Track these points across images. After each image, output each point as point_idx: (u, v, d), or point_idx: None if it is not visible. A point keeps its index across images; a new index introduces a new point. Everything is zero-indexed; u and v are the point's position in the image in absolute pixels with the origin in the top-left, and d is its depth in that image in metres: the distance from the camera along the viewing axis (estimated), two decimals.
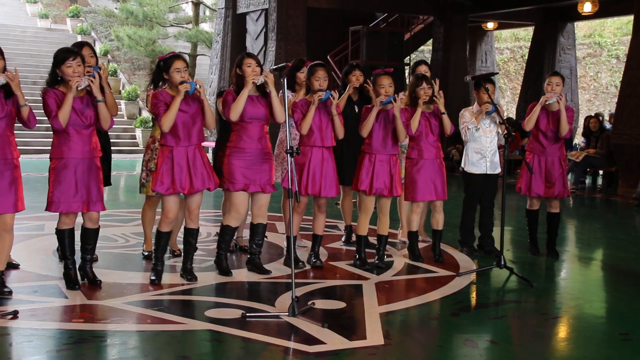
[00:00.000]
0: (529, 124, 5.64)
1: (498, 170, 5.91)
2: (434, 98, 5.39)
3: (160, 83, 4.74)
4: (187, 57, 19.00)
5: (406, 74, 15.16)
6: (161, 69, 4.58)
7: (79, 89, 4.27)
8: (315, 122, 5.06)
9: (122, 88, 18.79)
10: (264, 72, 4.72)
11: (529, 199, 5.91)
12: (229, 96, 4.79)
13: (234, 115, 4.70)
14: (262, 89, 4.78)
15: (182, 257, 4.90)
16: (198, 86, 4.50)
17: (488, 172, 5.83)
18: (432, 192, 5.48)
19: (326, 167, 5.12)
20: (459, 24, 14.81)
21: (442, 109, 5.40)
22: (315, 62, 5.26)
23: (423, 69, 6.04)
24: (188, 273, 4.80)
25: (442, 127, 5.47)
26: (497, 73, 6.83)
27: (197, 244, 4.93)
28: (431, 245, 5.76)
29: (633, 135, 10.20)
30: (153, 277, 4.71)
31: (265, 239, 5.21)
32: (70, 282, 4.53)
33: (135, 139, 16.80)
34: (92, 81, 4.28)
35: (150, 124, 4.54)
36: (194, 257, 4.92)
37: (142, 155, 5.52)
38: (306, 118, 5.00)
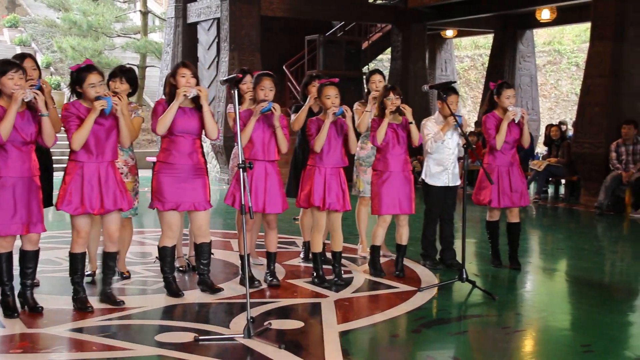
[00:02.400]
0: (500, 142, 5.72)
1: (458, 182, 6.00)
2: (401, 109, 5.44)
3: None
4: (136, 69, 18.83)
5: (364, 84, 15.27)
6: (74, 82, 4.47)
7: (25, 100, 4.17)
8: (258, 134, 5.03)
9: (66, 101, 18.47)
10: (198, 86, 4.69)
11: (488, 210, 6.01)
12: (159, 107, 4.73)
13: (161, 128, 4.64)
14: (197, 101, 4.74)
15: (122, 280, 4.81)
16: (115, 103, 4.38)
17: (450, 184, 5.91)
18: (397, 205, 5.52)
19: (270, 182, 5.09)
20: (417, 32, 15.03)
21: (410, 118, 5.46)
22: (262, 71, 5.27)
23: (377, 79, 6.11)
24: (108, 298, 4.69)
25: (409, 138, 5.52)
26: (455, 82, 6.94)
27: (142, 265, 4.84)
28: (395, 260, 5.79)
29: (594, 144, 10.47)
30: (80, 306, 4.54)
31: (212, 256, 5.17)
32: (8, 309, 4.40)
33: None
34: (37, 94, 4.20)
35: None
36: (143, 278, 4.84)
37: None
38: (245, 130, 4.96)
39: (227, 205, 5.20)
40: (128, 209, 4.64)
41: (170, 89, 4.75)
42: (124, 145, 4.62)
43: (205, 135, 4.78)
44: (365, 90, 6.32)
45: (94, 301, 4.65)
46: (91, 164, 4.45)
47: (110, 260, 4.69)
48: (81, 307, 4.54)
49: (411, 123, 5.46)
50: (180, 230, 5.00)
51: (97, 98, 4.38)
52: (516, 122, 5.73)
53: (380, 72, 6.27)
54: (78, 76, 4.45)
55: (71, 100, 4.62)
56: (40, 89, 4.44)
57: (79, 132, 4.37)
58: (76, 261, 4.59)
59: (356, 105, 6.21)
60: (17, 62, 4.34)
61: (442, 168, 5.87)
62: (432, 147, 5.79)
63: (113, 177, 4.53)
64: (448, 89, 5.70)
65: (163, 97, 4.84)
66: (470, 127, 16.99)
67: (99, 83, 4.43)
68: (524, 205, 5.93)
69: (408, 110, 5.45)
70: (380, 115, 5.47)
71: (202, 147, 4.87)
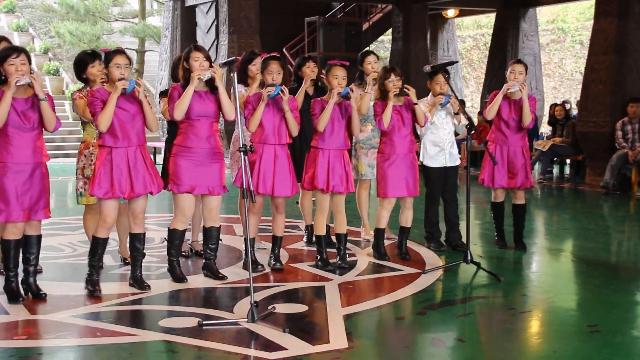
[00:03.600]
0: (490, 112, 5.72)
1: (458, 162, 5.99)
2: (405, 89, 5.41)
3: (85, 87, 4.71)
4: (134, 54, 18.76)
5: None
6: (84, 70, 4.59)
7: (18, 84, 4.17)
8: (268, 118, 5.04)
9: (65, 88, 18.46)
10: (213, 67, 4.69)
11: (492, 190, 6.01)
12: (174, 92, 4.74)
13: (178, 113, 4.66)
14: (211, 83, 4.74)
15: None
16: (137, 85, 4.46)
17: (448, 165, 5.90)
18: (404, 188, 5.51)
19: (279, 164, 5.09)
20: (418, 12, 14.95)
21: (415, 99, 5.44)
22: (269, 54, 5.25)
23: (372, 59, 6.08)
24: (138, 282, 4.74)
25: (415, 118, 5.50)
26: (457, 62, 6.89)
27: (146, 250, 4.87)
28: (397, 243, 5.80)
29: (598, 123, 10.44)
30: (91, 288, 4.62)
31: (220, 242, 5.17)
32: (13, 295, 4.43)
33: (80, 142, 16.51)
34: (34, 78, 4.20)
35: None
36: (147, 264, 4.86)
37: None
38: (254, 115, 4.97)
39: (230, 189, 5.21)
40: (158, 192, 4.69)
41: (184, 73, 4.76)
42: (152, 129, 4.65)
43: (223, 116, 4.79)
44: (358, 72, 6.25)
45: (108, 286, 4.66)
46: (119, 148, 4.51)
47: (137, 241, 4.72)
48: (91, 290, 4.60)
49: (416, 104, 5.44)
50: (192, 215, 5.00)
51: (120, 80, 4.45)
52: (511, 91, 5.64)
53: (374, 53, 6.23)
54: (106, 57, 4.54)
55: (76, 91, 4.77)
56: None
57: (103, 112, 4.44)
58: (97, 245, 4.65)
59: (352, 86, 6.17)
60: (19, 47, 4.35)
61: (439, 149, 5.86)
62: (423, 129, 5.77)
63: (142, 161, 4.58)
64: (436, 71, 5.65)
65: (176, 83, 4.86)
66: (475, 108, 16.95)
67: (125, 65, 4.49)
68: (523, 188, 5.88)
69: (412, 91, 5.43)
70: (382, 98, 5.44)
71: (219, 130, 4.89)
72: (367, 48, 15.90)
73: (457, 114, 5.72)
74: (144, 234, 4.77)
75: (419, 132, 5.86)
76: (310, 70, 5.78)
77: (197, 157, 4.76)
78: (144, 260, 4.84)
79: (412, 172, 5.53)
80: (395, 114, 5.43)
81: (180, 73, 4.83)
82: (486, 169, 5.84)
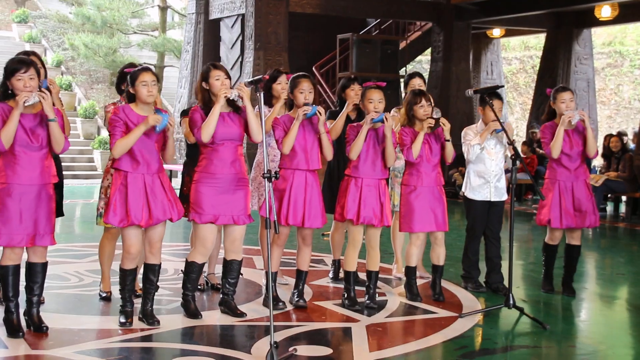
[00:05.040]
0: (556, 150, 5.63)
1: (504, 197, 5.95)
2: (440, 124, 5.43)
3: (121, 98, 4.74)
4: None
5: (402, 88, 15.29)
6: (127, 83, 4.64)
7: (26, 104, 4.24)
8: (299, 141, 5.08)
9: (77, 104, 18.81)
10: (238, 85, 4.75)
11: (549, 230, 5.92)
12: (195, 114, 4.80)
13: (206, 136, 4.71)
14: (233, 104, 4.80)
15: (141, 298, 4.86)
16: (170, 123, 4.55)
17: (492, 199, 5.86)
18: (432, 222, 5.50)
19: (310, 193, 5.13)
20: (461, 30, 15.00)
21: (447, 136, 5.45)
22: (298, 73, 5.31)
23: (417, 83, 6.10)
24: (148, 316, 4.76)
25: (443, 153, 5.51)
26: (503, 86, 6.89)
27: (159, 282, 4.90)
28: (430, 282, 5.76)
29: None
30: (123, 320, 4.69)
31: (240, 276, 5.20)
32: (12, 328, 4.46)
33: (93, 162, 16.78)
34: (43, 97, 4.26)
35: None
36: (158, 297, 4.88)
37: (100, 180, 5.50)
38: (289, 135, 5.02)
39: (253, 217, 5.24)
40: (178, 218, 4.74)
41: (204, 94, 4.81)
42: (167, 162, 4.76)
43: (250, 138, 4.85)
44: (403, 95, 6.30)
45: (114, 320, 4.69)
46: (136, 174, 4.58)
47: (151, 273, 4.77)
48: (122, 323, 4.69)
49: (448, 141, 5.44)
50: (213, 247, 5.04)
51: (156, 111, 4.56)
52: (573, 123, 5.62)
53: (421, 76, 6.26)
54: (132, 76, 4.61)
55: (109, 104, 4.83)
56: (47, 89, 4.50)
57: (124, 140, 4.52)
58: (125, 277, 4.74)
59: (393, 112, 6.20)
60: (29, 60, 4.40)
61: (484, 181, 5.84)
62: (470, 153, 5.75)
63: (160, 186, 4.65)
64: (492, 94, 5.67)
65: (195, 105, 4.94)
66: (520, 137, 16.88)
67: (152, 82, 4.58)
68: (590, 227, 5.83)
69: (447, 127, 5.44)
70: (409, 124, 5.46)
71: (243, 154, 4.93)
72: (404, 68, 15.99)
73: (510, 144, 5.68)
74: (160, 265, 4.81)
75: (466, 158, 5.84)
76: (354, 93, 5.82)
77: (221, 184, 4.80)
78: (155, 293, 4.87)
79: (440, 205, 5.52)
80: (423, 143, 5.43)
81: (198, 95, 4.88)
82: (551, 207, 5.73)
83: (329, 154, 5.17)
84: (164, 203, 4.64)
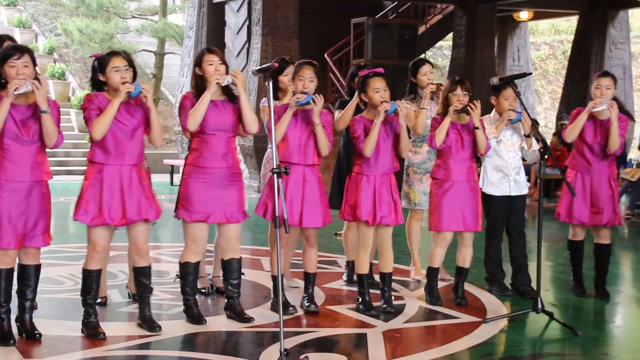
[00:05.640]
0: (571, 134, 5.68)
1: (525, 191, 5.95)
2: (468, 108, 5.41)
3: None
4: (152, 57, 19.09)
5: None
6: (96, 70, 4.60)
7: (16, 93, 4.24)
8: (294, 133, 5.07)
9: (71, 94, 18.89)
10: (232, 71, 4.76)
11: (571, 227, 5.94)
12: (186, 101, 4.81)
13: (192, 124, 4.71)
14: (229, 92, 4.80)
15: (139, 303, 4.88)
16: (144, 89, 4.51)
17: (512, 194, 5.86)
18: (460, 221, 5.51)
19: (309, 190, 5.12)
20: (485, 13, 14.95)
21: (477, 123, 5.42)
22: (302, 60, 5.31)
23: (427, 69, 6.10)
24: (148, 322, 4.78)
25: (475, 143, 5.50)
26: (530, 74, 6.87)
27: (159, 285, 4.92)
28: (453, 285, 5.77)
29: None
30: (91, 333, 4.63)
31: (242, 276, 5.22)
32: (3, 336, 4.48)
33: None
34: (37, 86, 4.26)
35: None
36: (158, 301, 4.91)
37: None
38: (280, 124, 4.99)
39: (258, 216, 5.26)
40: (155, 218, 4.74)
41: (197, 80, 4.83)
42: (156, 143, 4.72)
43: (244, 129, 4.85)
44: (409, 84, 6.26)
45: (112, 327, 4.73)
46: (111, 166, 4.56)
47: (143, 276, 4.78)
48: (92, 334, 4.62)
49: (477, 128, 5.42)
50: (205, 244, 5.07)
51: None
52: (599, 110, 5.59)
53: (429, 62, 6.25)
54: (100, 62, 4.58)
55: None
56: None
57: (100, 118, 4.47)
58: (90, 279, 4.68)
59: (405, 103, 6.19)
60: (23, 47, 4.42)
61: (502, 174, 5.84)
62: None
63: (138, 183, 4.62)
64: (505, 84, 5.64)
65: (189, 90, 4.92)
66: (549, 128, 16.82)
67: (124, 67, 4.55)
68: (609, 225, 5.82)
69: (476, 113, 5.38)
70: (444, 113, 5.46)
71: (237, 147, 4.93)
72: (422, 55, 15.96)
73: (527, 136, 5.68)
74: (150, 267, 4.82)
75: (479, 154, 5.84)
76: None
77: (212, 178, 4.81)
78: (155, 298, 4.89)
79: (472, 203, 5.51)
80: (454, 133, 5.43)
81: (192, 81, 4.90)
82: (564, 200, 5.79)
83: (325, 148, 5.13)
84: (141, 201, 4.61)
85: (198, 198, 4.80)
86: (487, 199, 5.93)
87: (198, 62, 4.84)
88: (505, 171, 5.84)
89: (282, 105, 5.19)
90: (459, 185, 5.49)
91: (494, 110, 5.88)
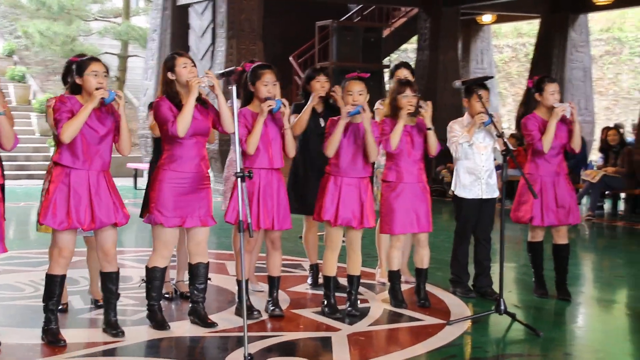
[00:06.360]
0: (547, 144, 5.71)
1: (496, 194, 6.00)
2: (420, 109, 5.46)
3: (65, 92, 4.73)
4: (115, 59, 18.94)
5: (386, 79, 15.35)
6: (72, 72, 4.60)
7: None
8: (262, 137, 5.07)
9: (32, 97, 18.65)
10: (206, 72, 4.75)
11: (530, 229, 6.01)
12: (163, 107, 4.78)
13: (183, 130, 4.69)
14: (199, 97, 4.79)
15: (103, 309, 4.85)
16: (117, 96, 4.51)
17: (484, 197, 5.92)
18: (414, 223, 5.53)
19: (280, 193, 5.15)
20: (449, 16, 15.09)
21: (429, 124, 5.47)
22: (259, 63, 5.31)
23: (404, 73, 6.14)
24: (112, 327, 4.75)
25: (427, 145, 5.54)
26: (493, 77, 6.95)
27: (122, 290, 4.88)
28: (415, 287, 5.80)
29: None
30: (51, 339, 4.58)
31: (210, 282, 5.20)
32: None
33: (50, 160, 16.64)
34: None
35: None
36: (122, 307, 4.87)
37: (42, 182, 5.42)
38: (254, 133, 5.01)
39: (223, 220, 5.24)
40: (124, 223, 4.71)
41: (170, 86, 4.80)
42: (124, 152, 4.70)
43: (221, 129, 4.84)
44: (387, 86, 6.33)
45: (75, 333, 4.68)
46: (79, 170, 4.53)
47: (110, 282, 4.74)
48: (52, 341, 4.57)
49: (429, 129, 5.47)
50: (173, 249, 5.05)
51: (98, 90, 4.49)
52: (568, 116, 5.72)
53: (408, 66, 6.30)
54: (79, 65, 4.56)
55: (51, 99, 4.75)
56: None
57: (71, 121, 4.44)
58: (54, 285, 4.63)
59: (377, 105, 6.23)
60: None
61: (474, 177, 5.89)
62: (458, 151, 5.79)
63: (106, 187, 4.61)
64: (478, 85, 5.72)
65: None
66: (512, 130, 16.97)
67: (103, 73, 4.55)
68: (572, 224, 5.93)
69: (428, 114, 5.45)
70: (392, 115, 5.49)
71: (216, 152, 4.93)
72: (388, 57, 16.05)
73: (499, 136, 5.73)
74: (118, 272, 4.79)
75: (453, 155, 5.88)
76: (320, 85, 5.83)
77: (186, 182, 4.81)
78: (118, 303, 4.85)
79: (423, 204, 5.55)
80: (404, 135, 5.46)
81: (160, 88, 4.87)
82: (533, 204, 5.80)
83: (292, 150, 5.19)
84: (109, 206, 4.59)
85: (174, 202, 4.78)
86: (458, 201, 5.97)
87: (170, 67, 4.81)
88: (478, 174, 5.89)
89: (247, 110, 5.13)
90: (410, 187, 5.52)
91: (466, 113, 5.93)
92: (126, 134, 4.64)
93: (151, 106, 5.64)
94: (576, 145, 5.79)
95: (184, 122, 4.68)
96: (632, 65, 22.24)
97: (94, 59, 4.62)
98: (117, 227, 4.69)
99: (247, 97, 5.22)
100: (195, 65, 4.84)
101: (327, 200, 5.24)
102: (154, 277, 4.93)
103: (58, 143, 4.58)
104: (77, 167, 4.52)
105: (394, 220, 5.51)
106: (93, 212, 4.54)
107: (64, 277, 4.68)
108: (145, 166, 10.62)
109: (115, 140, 4.66)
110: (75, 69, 4.59)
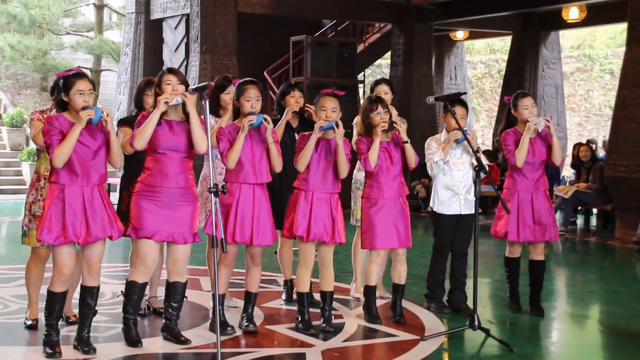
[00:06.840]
0: (521, 158, 5.75)
1: (474, 210, 6.03)
2: (394, 125, 5.49)
3: (51, 106, 4.69)
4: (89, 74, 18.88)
5: (360, 94, 15.41)
6: (60, 90, 4.60)
7: None
8: (246, 153, 5.09)
9: (3, 111, 18.48)
10: (181, 91, 4.75)
11: (508, 244, 6.05)
12: (143, 121, 4.79)
13: (139, 143, 4.70)
14: (187, 113, 4.78)
15: (77, 324, 4.81)
16: (105, 114, 4.52)
17: (462, 213, 5.95)
18: (394, 238, 5.56)
19: (259, 208, 5.14)
20: (422, 33, 15.18)
21: (405, 138, 5.51)
22: (244, 79, 5.33)
23: (384, 89, 6.17)
24: (84, 344, 4.71)
25: (405, 158, 5.57)
26: (466, 93, 7.00)
27: (97, 307, 4.85)
28: (390, 303, 5.81)
29: (631, 167, 10.55)
30: (50, 351, 4.61)
31: (185, 299, 5.18)
32: None
33: (21, 175, 16.49)
34: None
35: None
36: (95, 323, 4.83)
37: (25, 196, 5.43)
38: (234, 148, 5.02)
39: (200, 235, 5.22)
40: (118, 237, 4.71)
41: (155, 101, 4.82)
42: (116, 165, 4.72)
43: (193, 149, 4.83)
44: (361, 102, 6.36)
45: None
46: (74, 187, 4.54)
47: (89, 296, 4.72)
48: (50, 353, 4.59)
49: (406, 142, 5.51)
50: (155, 265, 5.00)
51: (84, 108, 4.49)
52: (540, 130, 5.77)
53: (388, 82, 6.33)
54: (65, 83, 4.56)
55: (35, 112, 4.76)
56: None
57: (61, 146, 4.46)
58: (53, 301, 4.65)
59: (357, 120, 6.25)
60: None
61: (452, 193, 5.92)
62: (435, 169, 5.82)
63: (100, 201, 4.62)
64: (455, 101, 5.76)
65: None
66: (485, 145, 17.12)
67: (89, 92, 4.56)
68: (550, 241, 5.96)
69: (403, 128, 5.51)
70: (366, 133, 5.52)
71: (192, 168, 4.92)
72: (362, 73, 16.12)
73: (476, 152, 5.77)
74: (99, 287, 4.76)
75: (430, 173, 5.91)
76: (294, 101, 5.86)
77: (163, 198, 4.79)
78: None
79: (403, 219, 5.58)
80: (382, 152, 5.49)
81: (150, 100, 4.88)
82: (509, 220, 5.83)
83: (278, 165, 5.19)
84: (104, 220, 4.61)
85: (147, 216, 4.77)
86: (436, 217, 5.99)
87: (158, 83, 4.84)
88: (455, 190, 5.92)
89: (231, 125, 5.15)
90: (391, 202, 5.55)
91: (444, 129, 5.96)
92: (116, 147, 4.67)
93: (121, 122, 5.64)
94: (557, 159, 5.82)
95: (141, 136, 4.69)
96: (603, 82, 22.55)
97: (80, 76, 4.61)
98: (111, 240, 4.70)
99: (235, 112, 5.25)
100: (182, 83, 4.80)
101: (299, 216, 5.24)
102: (131, 292, 4.90)
103: (50, 164, 4.58)
104: (74, 184, 4.54)
105: (375, 235, 5.52)
106: (88, 225, 4.55)
107: (64, 294, 4.70)
108: (116, 181, 10.55)
109: (106, 153, 4.68)
110: (62, 86, 4.60)
